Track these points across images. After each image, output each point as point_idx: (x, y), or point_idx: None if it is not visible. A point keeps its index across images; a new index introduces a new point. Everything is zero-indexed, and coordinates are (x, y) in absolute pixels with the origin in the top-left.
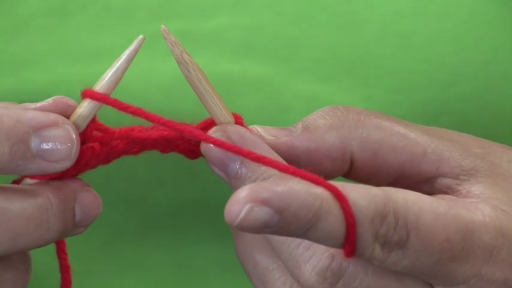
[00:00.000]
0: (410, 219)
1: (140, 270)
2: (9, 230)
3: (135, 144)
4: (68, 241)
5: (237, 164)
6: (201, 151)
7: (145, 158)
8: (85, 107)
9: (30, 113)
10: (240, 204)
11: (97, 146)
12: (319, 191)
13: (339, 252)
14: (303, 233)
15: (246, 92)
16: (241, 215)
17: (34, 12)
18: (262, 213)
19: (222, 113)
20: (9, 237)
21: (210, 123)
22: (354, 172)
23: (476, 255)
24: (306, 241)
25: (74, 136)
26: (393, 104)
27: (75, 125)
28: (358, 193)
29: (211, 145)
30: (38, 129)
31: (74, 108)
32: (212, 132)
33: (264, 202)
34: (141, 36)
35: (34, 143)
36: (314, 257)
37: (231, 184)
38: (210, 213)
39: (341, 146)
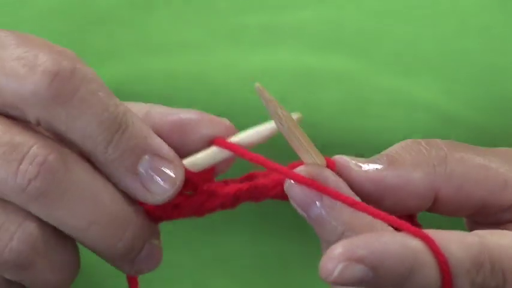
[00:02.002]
0: (506, 265)
1: (220, 264)
2: (91, 216)
3: (229, 199)
4: None
5: (318, 206)
6: (284, 189)
7: None
8: (208, 154)
9: (158, 140)
10: (334, 261)
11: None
12: (414, 243)
13: None
14: (398, 286)
15: (327, 85)
16: (336, 273)
17: (116, 4)
18: (356, 270)
19: (313, 160)
20: (86, 223)
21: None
22: (436, 207)
23: None
24: None
25: (178, 183)
26: (474, 99)
27: (192, 165)
28: (453, 243)
29: (294, 184)
30: (154, 155)
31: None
32: (297, 170)
33: (359, 260)
34: (297, 116)
35: (144, 163)
36: None
37: (314, 226)
38: (290, 208)
39: (427, 184)
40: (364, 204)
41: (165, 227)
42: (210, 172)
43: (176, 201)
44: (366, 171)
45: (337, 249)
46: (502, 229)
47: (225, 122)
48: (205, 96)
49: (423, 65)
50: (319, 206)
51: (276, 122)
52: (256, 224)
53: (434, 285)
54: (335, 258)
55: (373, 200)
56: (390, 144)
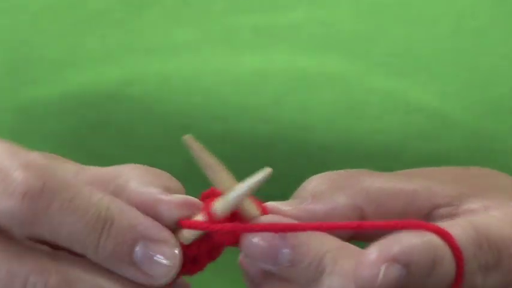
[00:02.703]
0: (496, 238)
1: (215, 266)
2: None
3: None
4: None
5: (287, 251)
6: (242, 249)
7: (222, 153)
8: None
9: (147, 223)
10: (375, 266)
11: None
12: (433, 238)
13: None
14: (423, 283)
15: (321, 87)
16: (381, 276)
17: (109, 6)
18: (396, 270)
19: (227, 184)
20: None
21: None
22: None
23: None
24: None
25: (177, 261)
26: (469, 100)
27: (188, 237)
28: (457, 230)
29: (252, 239)
30: (147, 241)
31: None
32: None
33: (395, 260)
34: (268, 170)
35: (138, 252)
36: None
37: (284, 274)
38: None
39: (351, 204)
40: (332, 223)
41: None
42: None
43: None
44: (297, 209)
45: (373, 254)
46: None
47: (187, 201)
48: (199, 98)
49: (417, 67)
50: (290, 250)
51: (202, 164)
52: None
53: (450, 275)
54: (374, 263)
55: None
56: (385, 146)
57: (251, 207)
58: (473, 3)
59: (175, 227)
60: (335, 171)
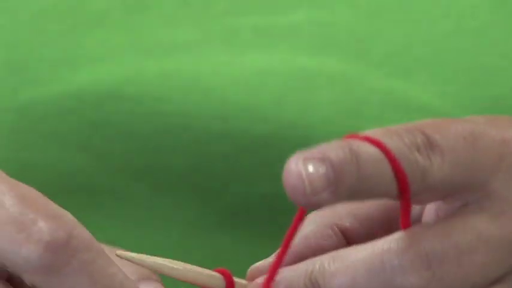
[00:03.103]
0: (421, 126)
1: (216, 265)
2: None
3: None
4: (145, 235)
5: None
6: None
7: (221, 152)
8: None
9: None
10: (299, 165)
11: None
12: (345, 140)
13: None
14: (357, 176)
15: (321, 87)
16: (304, 175)
17: (110, 6)
18: (321, 167)
19: (212, 277)
20: None
21: None
22: (354, 237)
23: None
24: None
25: None
26: (469, 100)
27: None
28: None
29: None
30: None
31: None
32: None
33: (306, 158)
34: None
35: None
36: None
37: None
38: (286, 208)
39: (324, 225)
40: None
41: (161, 228)
42: None
43: None
44: (269, 259)
45: (295, 159)
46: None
47: None
48: (199, 98)
49: (417, 66)
50: None
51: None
52: (252, 226)
53: (378, 157)
54: (297, 163)
55: None
56: None
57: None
58: (473, 3)
59: None
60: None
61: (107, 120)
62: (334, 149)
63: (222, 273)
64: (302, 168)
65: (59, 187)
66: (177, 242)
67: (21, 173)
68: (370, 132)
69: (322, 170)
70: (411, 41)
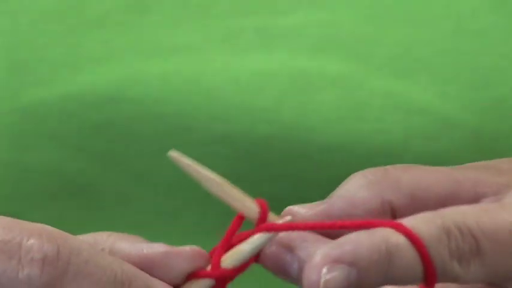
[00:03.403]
0: (472, 226)
1: None
2: None
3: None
4: (145, 238)
5: (295, 266)
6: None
7: (222, 154)
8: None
9: (157, 282)
10: (317, 269)
11: None
12: (380, 231)
13: None
14: (385, 277)
15: (322, 89)
16: (322, 280)
17: (111, 7)
18: (340, 270)
19: (248, 208)
20: None
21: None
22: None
23: None
24: None
25: None
26: (470, 101)
27: None
28: (414, 220)
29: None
30: None
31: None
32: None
33: (337, 261)
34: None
35: None
36: None
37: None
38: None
39: (376, 198)
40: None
41: (162, 230)
42: None
43: None
44: (312, 209)
45: (317, 257)
46: None
47: (193, 250)
48: (200, 100)
49: (418, 68)
50: (297, 265)
51: (202, 184)
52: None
53: (415, 263)
54: (316, 267)
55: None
56: (387, 146)
57: (250, 203)
58: (473, 5)
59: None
60: (375, 168)
61: (108, 122)
62: (367, 250)
63: (260, 204)
64: (324, 271)
65: (60, 189)
66: (177, 244)
67: (22, 175)
68: (417, 224)
69: (348, 275)
70: (412, 43)
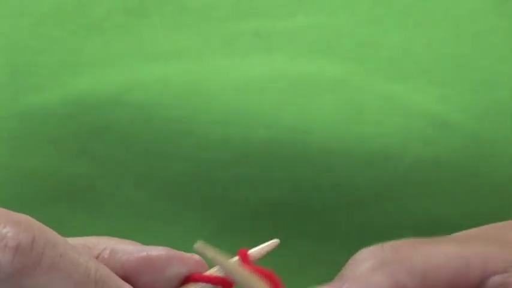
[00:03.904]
0: None
1: None
2: None
3: None
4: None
5: None
6: None
7: (222, 158)
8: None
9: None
10: None
11: None
12: None
13: None
14: None
15: (322, 92)
16: None
17: (110, 11)
18: None
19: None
20: None
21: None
22: None
23: None
24: None
25: None
26: (469, 104)
27: None
28: None
29: None
30: None
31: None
32: None
33: None
34: (274, 240)
35: None
36: None
37: None
38: (286, 213)
39: (389, 281)
40: None
41: (161, 234)
42: None
43: None
44: None
45: None
46: None
47: (195, 257)
48: (200, 104)
49: (417, 71)
50: None
51: (225, 273)
52: (253, 232)
53: None
54: None
55: None
56: (386, 150)
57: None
58: (472, 8)
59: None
60: (384, 244)
61: (107, 126)
62: None
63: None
64: None
65: (59, 193)
66: (177, 248)
67: (22, 178)
68: None
69: None
70: (411, 46)
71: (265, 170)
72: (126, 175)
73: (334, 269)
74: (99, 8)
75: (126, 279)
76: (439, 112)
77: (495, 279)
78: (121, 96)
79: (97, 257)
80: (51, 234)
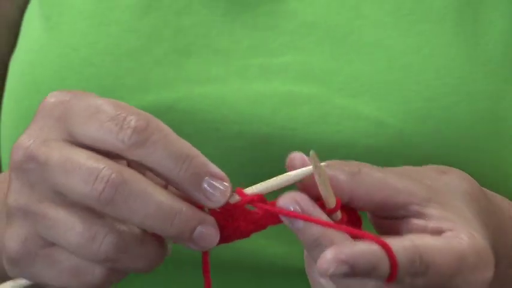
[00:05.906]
0: (428, 259)
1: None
2: (143, 211)
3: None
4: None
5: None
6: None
7: (239, 146)
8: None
9: (212, 165)
10: (328, 263)
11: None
12: (375, 248)
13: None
14: (367, 275)
15: (301, 103)
16: (331, 271)
17: (168, 50)
18: (343, 269)
19: (332, 201)
20: (141, 216)
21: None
22: (351, 204)
23: (465, 271)
24: None
25: (228, 194)
26: (397, 111)
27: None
28: (397, 247)
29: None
30: (212, 176)
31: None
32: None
33: (344, 262)
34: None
35: (206, 182)
36: None
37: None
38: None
39: (346, 186)
40: (330, 223)
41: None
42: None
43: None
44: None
45: (330, 254)
46: (398, 222)
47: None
48: (224, 110)
49: (363, 90)
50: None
51: (315, 174)
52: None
53: (385, 275)
54: (329, 261)
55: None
56: (343, 142)
57: (330, 196)
58: (403, 43)
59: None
60: (353, 163)
61: (168, 124)
62: (364, 261)
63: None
64: (332, 266)
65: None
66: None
67: None
68: (397, 248)
69: (346, 271)
70: (361, 73)
71: (267, 154)
72: None
73: None
74: (160, 47)
75: None
76: (377, 116)
77: (413, 207)
78: (174, 107)
79: None
80: (161, 124)
